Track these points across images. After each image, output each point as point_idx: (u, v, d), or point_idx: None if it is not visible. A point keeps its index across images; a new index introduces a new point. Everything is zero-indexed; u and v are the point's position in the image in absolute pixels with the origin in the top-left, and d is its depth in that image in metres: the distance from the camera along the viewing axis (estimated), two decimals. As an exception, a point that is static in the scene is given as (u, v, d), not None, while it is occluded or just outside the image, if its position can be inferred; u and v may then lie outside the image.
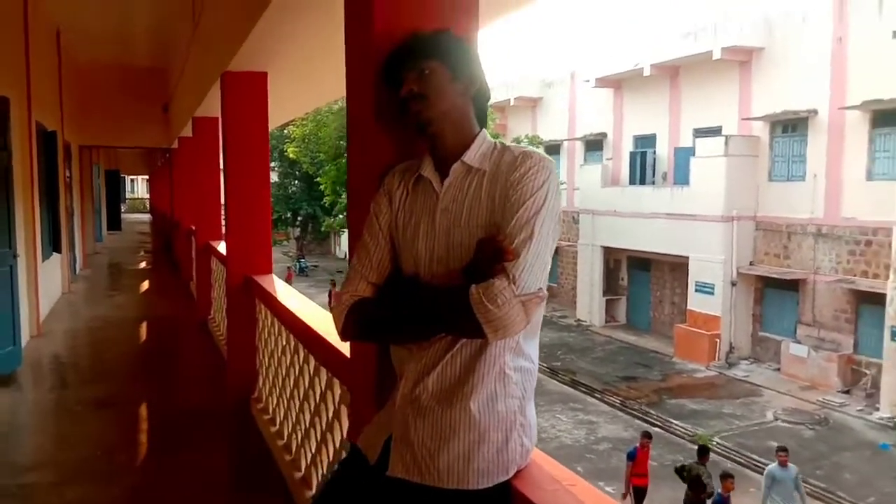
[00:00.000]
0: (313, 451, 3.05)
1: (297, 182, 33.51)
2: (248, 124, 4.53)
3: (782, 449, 9.86)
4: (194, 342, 7.17)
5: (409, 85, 1.44)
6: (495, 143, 1.44)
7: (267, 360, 4.21)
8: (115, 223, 22.92)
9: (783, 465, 9.58)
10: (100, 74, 12.24)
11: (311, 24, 3.36)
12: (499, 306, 1.23)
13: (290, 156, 28.58)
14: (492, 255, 1.27)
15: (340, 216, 29.62)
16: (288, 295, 3.79)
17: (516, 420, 1.36)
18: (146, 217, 34.42)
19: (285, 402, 3.67)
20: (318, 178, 27.80)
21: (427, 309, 1.34)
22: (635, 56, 21.40)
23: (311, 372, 3.03)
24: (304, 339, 3.06)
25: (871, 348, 15.56)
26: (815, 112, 16.97)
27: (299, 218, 34.75)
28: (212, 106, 6.00)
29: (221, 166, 5.32)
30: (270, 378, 4.12)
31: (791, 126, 17.99)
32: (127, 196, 45.42)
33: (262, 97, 4.47)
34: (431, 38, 1.47)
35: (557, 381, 17.35)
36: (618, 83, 23.03)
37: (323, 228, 35.04)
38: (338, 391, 2.60)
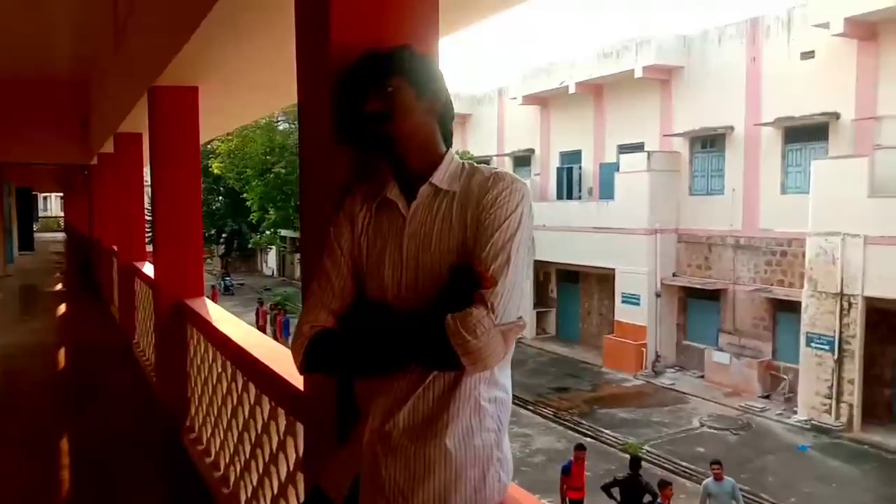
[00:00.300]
0: (255, 483, 2.90)
1: (221, 198, 32.66)
2: (177, 140, 4.34)
3: (716, 462, 10.04)
4: (118, 369, 6.80)
5: (371, 103, 1.35)
6: (463, 163, 1.38)
7: (200, 388, 4.01)
8: (27, 243, 21.74)
9: (718, 479, 9.77)
10: (10, 89, 11.57)
11: (246, 39, 3.24)
12: (477, 337, 1.16)
13: (215, 171, 27.81)
14: (467, 282, 1.20)
15: (267, 233, 29.01)
16: (225, 320, 3.62)
17: (493, 454, 1.30)
18: (60, 236, 32.82)
19: (221, 432, 3.50)
20: (245, 194, 27.15)
21: (398, 340, 1.25)
22: (561, 74, 21.89)
23: (252, 401, 2.89)
24: (245, 368, 2.91)
25: (788, 354, 16.27)
26: (732, 128, 17.75)
27: (224, 235, 33.85)
28: (136, 121, 5.74)
29: (148, 183, 5.08)
30: (204, 407, 3.92)
31: (709, 142, 18.75)
32: (39, 214, 43.24)
33: (194, 112, 4.30)
34: (394, 54, 1.39)
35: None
36: (544, 101, 23.49)
37: (250, 245, 34.22)
38: (283, 421, 2.48)
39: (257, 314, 22.85)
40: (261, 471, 2.80)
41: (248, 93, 4.68)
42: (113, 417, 5.30)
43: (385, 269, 1.34)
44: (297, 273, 37.14)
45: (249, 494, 2.97)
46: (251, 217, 28.20)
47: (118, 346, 7.36)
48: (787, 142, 16.79)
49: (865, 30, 14.59)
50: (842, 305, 14.17)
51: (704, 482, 10.22)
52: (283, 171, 24.91)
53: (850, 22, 14.40)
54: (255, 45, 3.31)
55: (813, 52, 15.81)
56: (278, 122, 25.87)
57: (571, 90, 21.60)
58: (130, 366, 6.68)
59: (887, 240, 13.34)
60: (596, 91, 21.60)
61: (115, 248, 7.96)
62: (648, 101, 19.99)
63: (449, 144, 1.42)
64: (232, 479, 3.29)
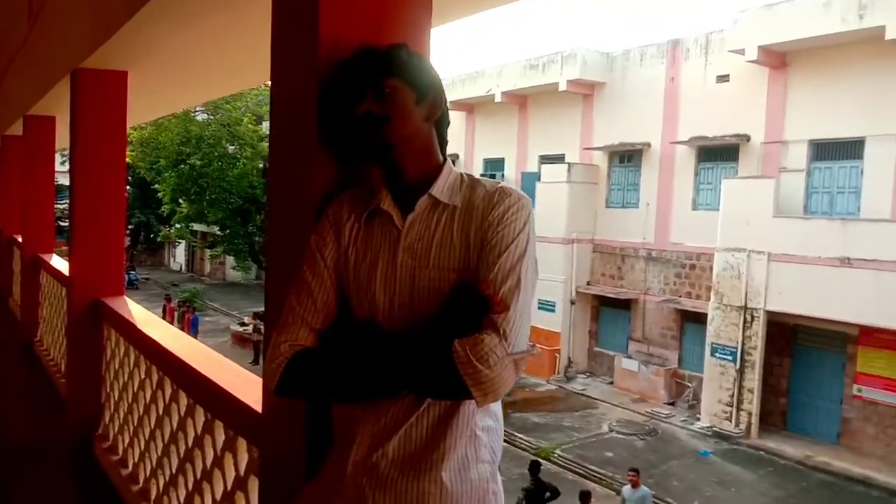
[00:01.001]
0: (182, 500, 2.72)
1: (129, 188, 31.23)
2: (101, 127, 4.04)
3: (633, 470, 10.34)
4: (17, 369, 6.32)
5: (367, 104, 1.24)
6: (461, 174, 1.28)
7: (117, 393, 3.74)
8: None
9: (635, 486, 10.07)
10: None
11: (183, 24, 3.04)
12: (490, 367, 1.07)
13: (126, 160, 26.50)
14: (474, 305, 1.11)
15: (178, 226, 27.89)
16: (150, 322, 3.37)
17: (489, 488, 1.21)
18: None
19: (142, 442, 3.26)
20: (156, 185, 26.01)
21: (394, 365, 1.14)
22: (489, 82, 22.10)
23: (183, 412, 2.70)
24: (176, 376, 2.70)
25: (693, 363, 16.98)
26: (649, 145, 18.37)
27: (130, 226, 32.38)
28: (50, 104, 5.34)
29: (64, 171, 4.73)
30: (122, 414, 3.65)
31: (627, 157, 19.35)
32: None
33: (122, 98, 4.00)
34: (393, 53, 1.28)
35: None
36: (471, 107, 23.64)
37: (159, 238, 32.87)
38: (221, 436, 2.31)
39: (164, 311, 21.92)
40: (190, 487, 2.62)
41: (183, 79, 4.43)
42: (14, 422, 4.90)
43: (376, 285, 1.23)
44: (208, 269, 35.94)
45: (175, 510, 2.78)
46: (162, 209, 27.04)
47: (17, 343, 6.83)
48: (700, 160, 17.53)
49: (776, 59, 15.41)
50: (745, 318, 14.90)
51: (623, 489, 10.52)
52: (198, 162, 23.99)
53: (764, 50, 15.17)
54: (191, 32, 3.11)
55: (728, 75, 16.57)
56: (196, 112, 24.89)
57: (497, 99, 21.82)
58: (32, 366, 6.20)
59: (788, 258, 14.13)
60: (521, 101, 21.91)
61: (19, 237, 7.40)
62: (571, 114, 20.44)
63: (444, 153, 1.33)
64: (154, 493, 3.08)
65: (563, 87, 19.71)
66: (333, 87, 1.32)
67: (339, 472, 1.24)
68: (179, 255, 39.65)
